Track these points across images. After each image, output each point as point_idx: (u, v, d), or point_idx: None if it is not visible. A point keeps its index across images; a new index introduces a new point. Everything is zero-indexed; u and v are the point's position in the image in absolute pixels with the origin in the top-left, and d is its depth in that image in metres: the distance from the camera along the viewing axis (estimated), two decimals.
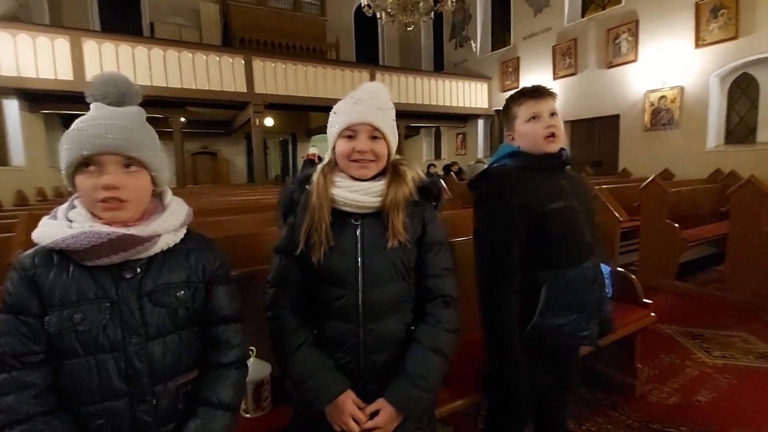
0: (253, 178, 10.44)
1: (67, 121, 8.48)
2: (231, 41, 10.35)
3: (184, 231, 0.87)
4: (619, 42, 7.63)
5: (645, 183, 3.97)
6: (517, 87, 7.18)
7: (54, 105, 7.27)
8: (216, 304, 0.88)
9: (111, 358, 0.76)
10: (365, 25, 12.57)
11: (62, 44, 6.52)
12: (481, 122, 11.59)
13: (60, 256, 0.77)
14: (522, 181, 1.23)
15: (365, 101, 0.96)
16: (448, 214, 2.27)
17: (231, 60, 7.96)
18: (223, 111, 9.50)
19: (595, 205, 1.38)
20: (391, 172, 0.98)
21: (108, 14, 10.12)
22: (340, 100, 1.00)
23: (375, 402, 0.93)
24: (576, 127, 8.89)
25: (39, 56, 6.37)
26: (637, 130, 7.47)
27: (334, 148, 0.98)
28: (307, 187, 0.98)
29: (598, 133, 8.48)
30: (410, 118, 11.19)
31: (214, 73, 7.78)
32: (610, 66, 7.83)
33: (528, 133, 1.27)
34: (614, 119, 7.90)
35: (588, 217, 1.27)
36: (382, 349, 0.96)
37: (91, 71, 6.63)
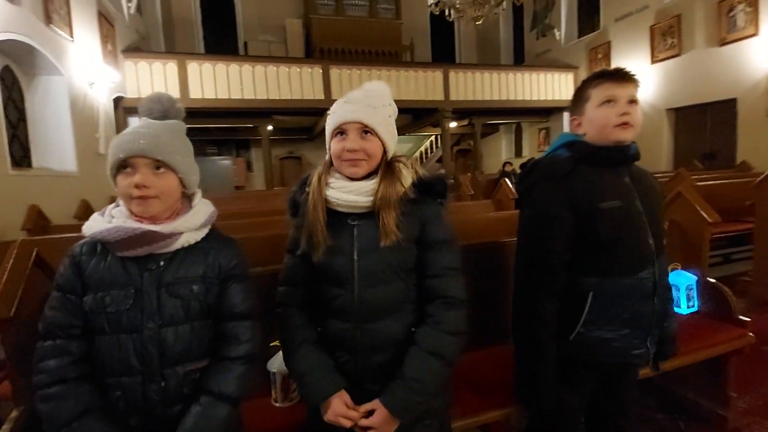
0: None
1: None
2: (312, 52, 10.99)
3: (206, 230, 0.97)
4: (734, 14, 6.53)
5: (760, 178, 3.35)
6: None
7: None
8: (229, 300, 0.95)
9: (130, 339, 0.87)
10: (441, 24, 12.39)
11: (171, 68, 7.56)
12: (566, 115, 10.72)
13: (102, 246, 0.91)
14: (574, 173, 1.10)
15: (356, 100, 0.97)
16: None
17: (310, 70, 8.47)
18: (306, 118, 10.14)
19: (662, 209, 1.21)
20: (384, 169, 0.97)
21: (210, 37, 11.52)
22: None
23: (372, 402, 0.93)
24: (681, 115, 7.83)
25: (154, 79, 7.47)
26: (759, 115, 6.34)
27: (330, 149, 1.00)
28: (306, 189, 1.01)
29: (710, 121, 7.37)
30: (487, 116, 10.78)
31: (295, 83, 8.35)
32: (723, 43, 6.75)
33: (597, 118, 1.12)
34: (730, 104, 6.80)
35: (654, 220, 1.12)
36: (381, 350, 0.96)
37: (194, 88, 7.60)
